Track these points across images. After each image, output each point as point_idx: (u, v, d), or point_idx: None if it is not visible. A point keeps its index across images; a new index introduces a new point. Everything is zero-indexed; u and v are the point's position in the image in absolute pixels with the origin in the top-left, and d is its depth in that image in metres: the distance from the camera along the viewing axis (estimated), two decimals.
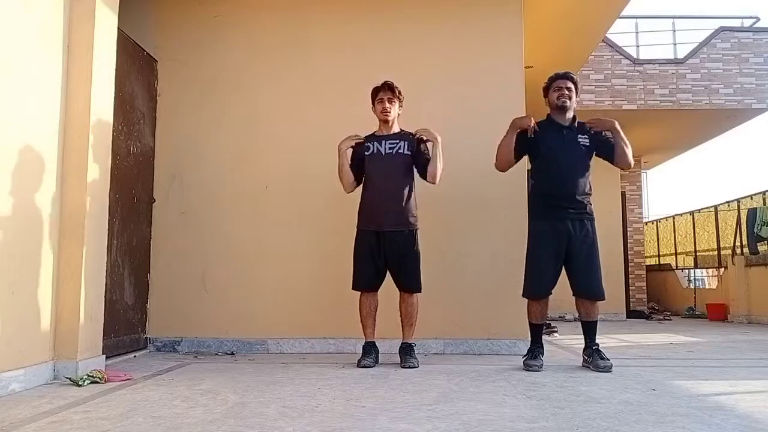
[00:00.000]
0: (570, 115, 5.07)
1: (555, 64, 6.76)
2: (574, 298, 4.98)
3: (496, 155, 5.12)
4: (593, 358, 4.79)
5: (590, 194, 4.98)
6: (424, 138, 5.10)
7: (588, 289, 4.90)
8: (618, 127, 5.02)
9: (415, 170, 5.12)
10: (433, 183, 5.09)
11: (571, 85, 5.06)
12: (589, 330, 4.95)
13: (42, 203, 4.07)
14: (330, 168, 5.35)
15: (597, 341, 4.92)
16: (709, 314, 12.01)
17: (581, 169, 4.94)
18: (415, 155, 5.11)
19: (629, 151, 5.06)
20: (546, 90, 5.14)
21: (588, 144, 4.97)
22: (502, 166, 5.14)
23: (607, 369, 4.65)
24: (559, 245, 4.85)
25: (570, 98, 5.02)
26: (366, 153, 5.11)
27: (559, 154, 4.93)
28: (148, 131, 5.90)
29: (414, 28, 6.11)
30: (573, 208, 4.87)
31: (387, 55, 6.05)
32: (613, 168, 5.31)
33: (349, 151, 5.22)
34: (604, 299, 4.94)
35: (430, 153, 5.09)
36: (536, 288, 4.94)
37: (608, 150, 5.04)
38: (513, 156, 5.07)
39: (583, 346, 4.99)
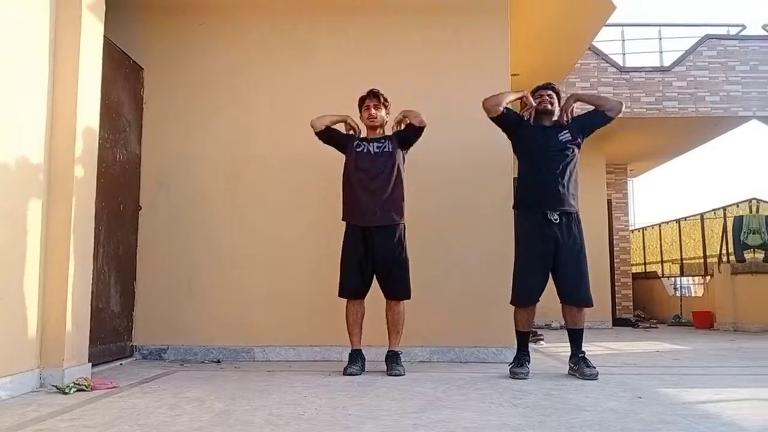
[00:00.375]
0: (553, 118, 5.14)
1: (542, 72, 6.83)
2: (561, 305, 4.98)
3: (490, 97, 5.10)
4: (579, 366, 4.82)
5: (576, 194, 4.96)
6: (402, 124, 5.19)
7: (576, 296, 4.92)
8: (580, 93, 5.07)
9: (402, 172, 5.09)
10: (424, 125, 5.05)
11: (551, 92, 5.16)
12: (576, 338, 4.98)
13: (28, 210, 4.07)
14: (321, 175, 5.49)
15: (583, 349, 4.93)
16: (696, 322, 12.01)
17: (565, 168, 4.93)
18: (402, 141, 5.15)
19: (606, 97, 5.03)
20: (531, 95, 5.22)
21: (570, 138, 5.00)
22: (490, 103, 5.08)
23: (593, 377, 4.68)
24: (547, 252, 4.87)
25: (552, 103, 5.10)
26: (357, 149, 5.14)
27: (543, 154, 4.95)
28: (135, 139, 5.90)
29: (402, 35, 6.14)
30: (559, 208, 4.85)
31: (375, 62, 6.08)
32: (599, 176, 5.40)
33: (340, 127, 5.28)
34: (592, 306, 4.96)
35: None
36: (524, 295, 4.96)
37: (592, 117, 5.12)
38: (502, 108, 5.02)
39: (569, 353, 5.00)
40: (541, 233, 4.90)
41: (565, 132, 5.04)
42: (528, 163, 5.10)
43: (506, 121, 5.18)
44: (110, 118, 5.31)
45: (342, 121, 5.32)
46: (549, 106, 5.12)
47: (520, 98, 5.29)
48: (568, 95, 5.34)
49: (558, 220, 4.87)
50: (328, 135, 5.27)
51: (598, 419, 3.19)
